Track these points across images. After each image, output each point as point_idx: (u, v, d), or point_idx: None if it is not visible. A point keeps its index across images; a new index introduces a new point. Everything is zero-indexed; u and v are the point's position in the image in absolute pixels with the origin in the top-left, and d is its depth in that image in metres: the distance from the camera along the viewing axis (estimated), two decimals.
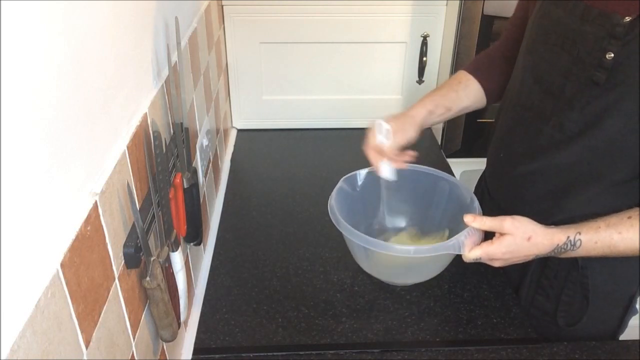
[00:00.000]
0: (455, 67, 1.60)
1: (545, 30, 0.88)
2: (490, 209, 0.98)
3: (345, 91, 1.68)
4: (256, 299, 1.04)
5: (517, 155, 0.96)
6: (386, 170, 0.95)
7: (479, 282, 1.08)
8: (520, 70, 0.95)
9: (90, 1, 0.56)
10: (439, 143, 1.70)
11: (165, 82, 0.83)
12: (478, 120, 1.64)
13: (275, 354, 0.93)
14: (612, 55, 0.78)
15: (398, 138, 0.95)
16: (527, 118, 0.93)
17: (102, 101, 0.59)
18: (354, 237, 0.92)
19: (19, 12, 0.41)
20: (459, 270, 1.01)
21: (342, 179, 1.06)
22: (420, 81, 1.66)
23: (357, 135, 1.72)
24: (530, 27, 0.92)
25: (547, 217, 0.88)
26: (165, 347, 0.84)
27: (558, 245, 0.83)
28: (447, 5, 1.55)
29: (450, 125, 1.66)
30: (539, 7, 0.90)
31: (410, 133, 0.98)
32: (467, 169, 1.73)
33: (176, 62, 0.87)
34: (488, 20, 1.52)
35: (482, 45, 1.55)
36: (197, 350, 0.93)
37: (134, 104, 0.69)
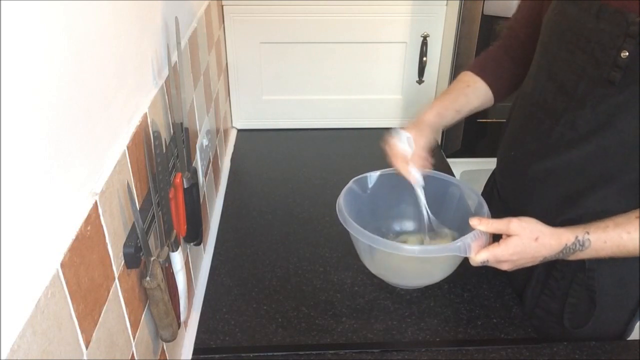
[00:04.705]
0: (455, 67, 1.60)
1: (561, 28, 0.87)
2: (498, 210, 0.97)
3: (345, 91, 1.68)
4: (256, 299, 1.04)
5: (528, 153, 0.95)
6: (417, 176, 0.96)
7: (479, 282, 1.08)
8: (535, 69, 0.94)
9: (91, 1, 0.56)
10: (439, 143, 1.70)
11: (165, 82, 0.83)
12: (478, 120, 1.64)
13: (275, 354, 0.93)
14: (627, 53, 0.77)
15: (420, 143, 0.96)
16: (539, 116, 0.92)
17: (102, 101, 0.59)
18: (361, 236, 0.91)
19: (20, 12, 0.41)
20: (459, 270, 1.01)
21: (352, 180, 1.04)
22: (420, 81, 1.66)
23: (357, 135, 1.75)
24: (545, 26, 0.92)
25: (557, 217, 0.86)
26: (165, 347, 0.84)
27: (566, 245, 0.81)
28: (447, 5, 1.55)
29: None
30: (554, 6, 0.89)
31: (429, 137, 0.98)
32: (467, 169, 1.73)
33: (176, 62, 0.87)
34: (488, 20, 1.52)
35: (482, 45, 1.55)
36: (197, 350, 0.93)
37: (134, 104, 0.69)
